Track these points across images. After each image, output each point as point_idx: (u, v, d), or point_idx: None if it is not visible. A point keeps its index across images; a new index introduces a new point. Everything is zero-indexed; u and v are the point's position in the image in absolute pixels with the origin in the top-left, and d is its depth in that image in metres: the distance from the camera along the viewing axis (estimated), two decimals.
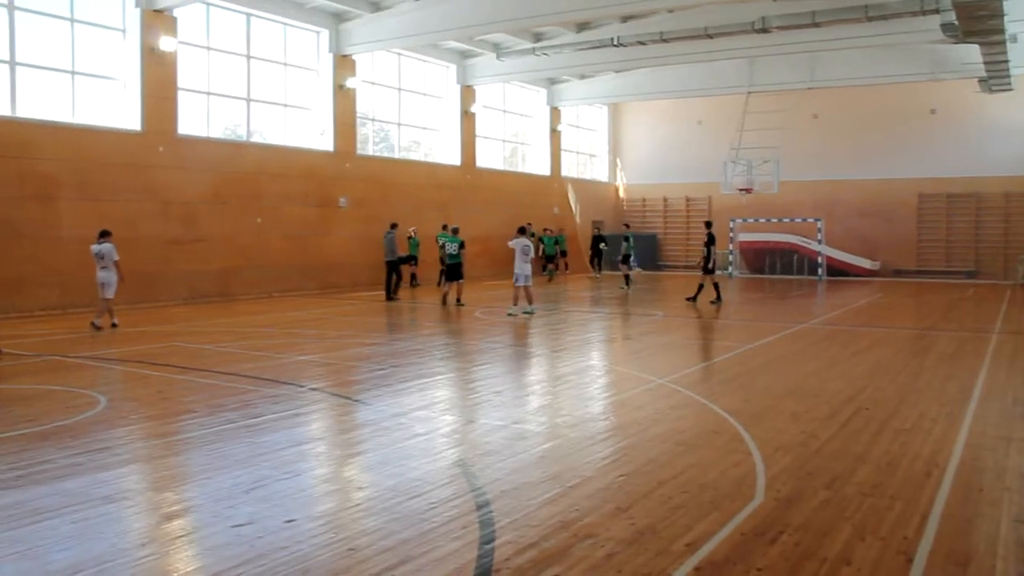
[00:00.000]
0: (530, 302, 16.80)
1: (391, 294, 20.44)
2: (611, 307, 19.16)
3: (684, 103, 33.90)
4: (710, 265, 19.24)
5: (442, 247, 19.59)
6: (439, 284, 21.48)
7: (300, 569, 4.13)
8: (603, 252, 30.97)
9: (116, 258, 13.95)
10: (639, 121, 36.66)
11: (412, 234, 24.12)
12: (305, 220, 22.18)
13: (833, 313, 18.17)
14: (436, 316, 17.20)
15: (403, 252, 22.22)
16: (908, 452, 6.34)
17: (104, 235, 14.13)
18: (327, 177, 22.77)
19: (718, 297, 19.14)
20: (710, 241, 19.05)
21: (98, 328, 13.72)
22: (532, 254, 16.88)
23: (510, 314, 16.34)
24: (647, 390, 8.95)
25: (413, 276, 24.62)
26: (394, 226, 21.04)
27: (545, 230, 30.23)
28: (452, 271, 18.54)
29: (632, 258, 25.57)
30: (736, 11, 21.53)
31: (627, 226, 28.93)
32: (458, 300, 18.41)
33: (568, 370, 10.59)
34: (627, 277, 24.52)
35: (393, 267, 20.59)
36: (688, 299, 19.53)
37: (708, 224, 19.74)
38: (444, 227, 21.08)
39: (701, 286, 19.41)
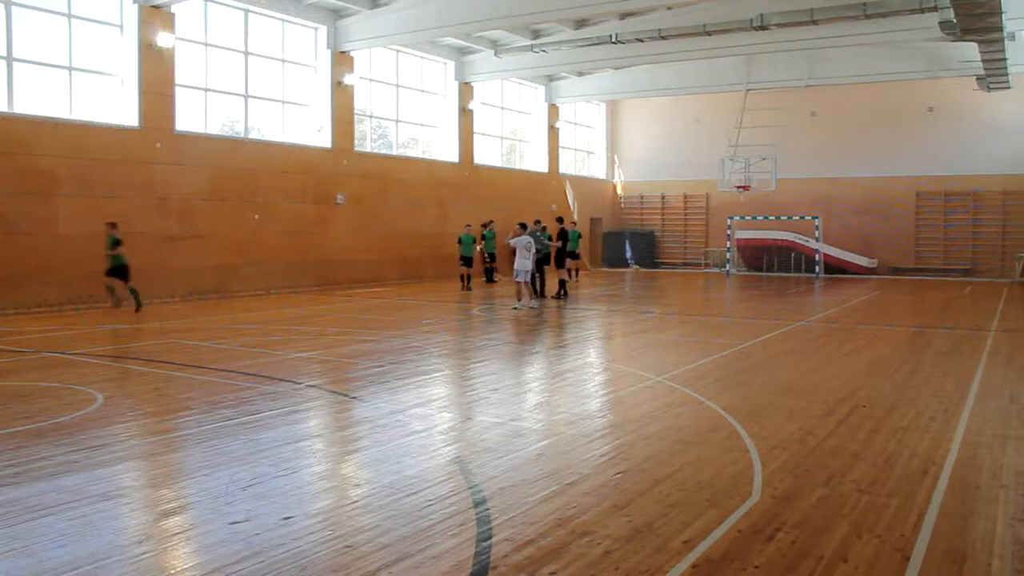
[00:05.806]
0: (531, 296, 17.35)
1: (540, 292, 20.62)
2: (609, 305, 19.17)
3: (682, 100, 33.89)
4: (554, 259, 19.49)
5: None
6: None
7: (297, 566, 4.12)
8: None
9: None
10: (637, 118, 36.61)
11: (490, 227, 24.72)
12: (302, 217, 22.14)
13: (830, 311, 18.19)
14: (437, 313, 17.20)
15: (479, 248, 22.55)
16: (905, 450, 6.35)
17: None
18: (325, 174, 22.74)
19: (564, 293, 19.36)
20: (562, 236, 19.07)
21: None
22: (533, 251, 17.36)
23: (515, 308, 16.87)
24: (644, 387, 8.96)
25: (491, 272, 25.11)
26: (523, 226, 21.32)
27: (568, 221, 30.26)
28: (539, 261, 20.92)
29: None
30: (734, 8, 21.50)
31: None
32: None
33: (565, 367, 10.60)
34: (465, 277, 22.71)
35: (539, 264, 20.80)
36: (554, 297, 19.64)
37: (560, 220, 19.80)
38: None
39: (563, 280, 19.72)
